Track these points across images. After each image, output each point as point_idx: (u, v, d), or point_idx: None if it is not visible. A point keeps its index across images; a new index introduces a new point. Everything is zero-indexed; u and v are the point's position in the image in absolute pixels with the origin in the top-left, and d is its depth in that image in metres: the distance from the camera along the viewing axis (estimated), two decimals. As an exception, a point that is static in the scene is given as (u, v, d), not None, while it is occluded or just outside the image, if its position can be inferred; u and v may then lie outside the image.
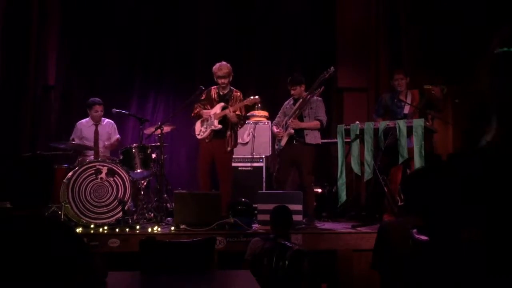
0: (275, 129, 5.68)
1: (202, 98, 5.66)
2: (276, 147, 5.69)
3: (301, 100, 5.51)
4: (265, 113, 7.02)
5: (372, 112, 6.22)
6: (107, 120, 6.33)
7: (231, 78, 5.60)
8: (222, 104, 5.58)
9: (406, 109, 5.53)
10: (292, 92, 5.58)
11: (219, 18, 7.80)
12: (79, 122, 6.26)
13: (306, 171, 5.45)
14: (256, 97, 5.55)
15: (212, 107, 5.61)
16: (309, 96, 5.48)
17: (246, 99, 5.56)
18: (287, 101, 5.76)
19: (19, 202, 2.22)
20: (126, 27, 7.65)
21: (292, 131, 5.43)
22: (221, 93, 5.65)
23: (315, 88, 5.49)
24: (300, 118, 5.49)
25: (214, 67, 5.59)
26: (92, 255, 2.31)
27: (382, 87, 7.06)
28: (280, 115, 5.77)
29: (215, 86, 5.68)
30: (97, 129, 6.17)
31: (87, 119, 6.24)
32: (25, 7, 6.89)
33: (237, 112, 5.53)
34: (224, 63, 5.57)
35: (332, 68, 5.49)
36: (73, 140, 6.05)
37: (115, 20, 7.60)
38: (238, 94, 5.66)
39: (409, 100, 5.56)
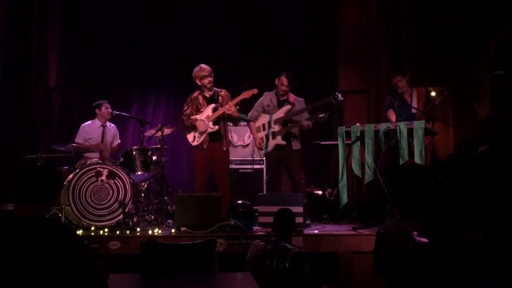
0: (258, 138, 5.63)
1: (186, 108, 5.55)
2: (262, 151, 5.73)
3: (289, 106, 5.54)
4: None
5: (373, 114, 6.19)
6: (111, 123, 6.34)
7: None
8: (212, 105, 5.52)
9: (414, 110, 5.49)
10: (284, 87, 5.54)
11: (219, 18, 7.80)
12: (84, 124, 6.23)
13: (296, 170, 5.59)
14: (254, 89, 5.46)
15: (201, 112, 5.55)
16: (307, 108, 5.51)
17: (244, 92, 5.46)
18: (269, 96, 5.67)
19: (26, 203, 2.24)
20: (126, 28, 7.64)
21: (283, 142, 5.49)
22: (207, 95, 5.59)
23: (315, 109, 5.47)
24: (285, 123, 5.52)
25: (194, 71, 5.52)
26: (93, 257, 2.31)
27: (383, 88, 7.03)
28: (258, 108, 5.70)
29: (197, 92, 5.60)
30: (105, 130, 6.17)
31: (93, 120, 6.23)
32: (26, 8, 6.88)
33: (236, 107, 5.52)
34: (201, 64, 5.53)
35: (340, 96, 5.41)
36: (78, 142, 6.03)
37: (116, 21, 7.60)
38: (224, 93, 5.63)
39: (414, 98, 5.52)
